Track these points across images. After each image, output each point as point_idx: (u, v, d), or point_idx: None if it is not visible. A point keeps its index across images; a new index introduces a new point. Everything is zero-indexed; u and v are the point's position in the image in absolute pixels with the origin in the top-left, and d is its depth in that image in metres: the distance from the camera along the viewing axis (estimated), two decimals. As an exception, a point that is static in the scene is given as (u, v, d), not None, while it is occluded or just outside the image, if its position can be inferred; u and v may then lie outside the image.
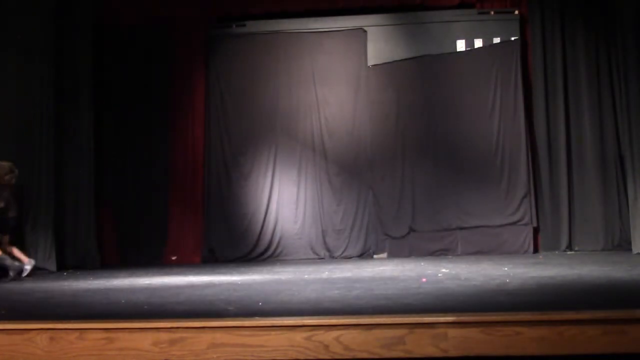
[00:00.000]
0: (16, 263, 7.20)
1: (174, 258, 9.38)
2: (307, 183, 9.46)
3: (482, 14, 9.41)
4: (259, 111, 9.59)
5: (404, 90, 9.40)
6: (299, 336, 3.03)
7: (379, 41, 9.47)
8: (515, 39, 9.25)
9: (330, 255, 9.25)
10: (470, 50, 9.34)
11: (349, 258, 9.13)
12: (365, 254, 9.22)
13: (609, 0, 8.74)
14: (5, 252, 7.28)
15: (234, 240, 9.39)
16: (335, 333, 3.01)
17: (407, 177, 9.28)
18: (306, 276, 6.34)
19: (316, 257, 9.26)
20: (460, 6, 9.46)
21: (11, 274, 7.06)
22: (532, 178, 9.10)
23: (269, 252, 9.32)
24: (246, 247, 9.34)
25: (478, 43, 9.34)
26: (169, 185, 9.63)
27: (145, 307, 4.24)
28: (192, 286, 5.67)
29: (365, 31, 9.51)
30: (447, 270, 6.38)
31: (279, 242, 9.36)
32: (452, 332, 2.97)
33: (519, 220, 9.01)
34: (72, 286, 6.06)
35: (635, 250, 7.92)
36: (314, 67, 9.57)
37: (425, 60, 9.39)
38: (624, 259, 7.20)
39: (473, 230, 9.05)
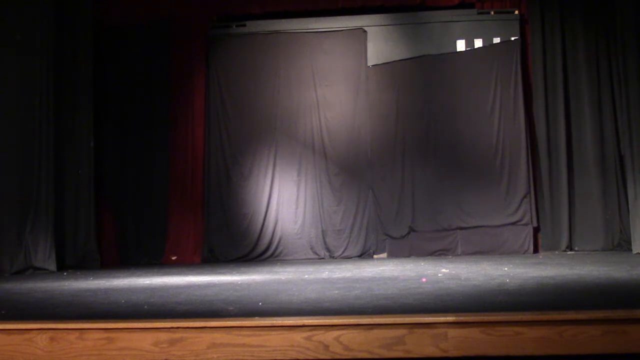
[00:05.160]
0: None
1: (174, 258, 9.38)
2: (307, 183, 9.46)
3: (482, 14, 9.41)
4: (259, 111, 9.59)
5: (404, 90, 9.40)
6: (299, 336, 3.03)
7: (379, 41, 9.47)
8: (515, 39, 9.26)
9: (330, 255, 9.25)
10: (470, 50, 9.35)
11: (349, 258, 9.13)
12: (365, 254, 9.22)
13: (609, 0, 8.74)
14: None
15: (234, 240, 9.40)
16: (335, 333, 3.01)
17: (407, 177, 9.28)
18: (306, 276, 6.34)
19: (316, 257, 9.26)
20: (460, 6, 9.46)
21: None
22: (532, 178, 9.10)
23: (269, 252, 9.32)
24: (246, 247, 9.34)
25: (478, 43, 9.34)
26: (169, 185, 9.64)
27: (145, 307, 4.24)
28: (192, 286, 5.66)
29: (365, 31, 9.52)
30: (447, 270, 6.37)
31: (279, 242, 9.36)
32: (452, 332, 2.97)
33: (519, 220, 9.01)
34: (72, 286, 6.05)
35: (635, 250, 7.92)
36: (314, 67, 9.58)
37: (425, 60, 9.40)
38: (624, 259, 7.19)
39: (473, 230, 9.05)
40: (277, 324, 3.07)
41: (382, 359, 2.98)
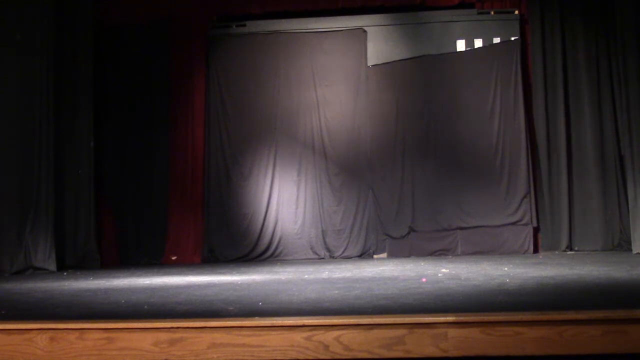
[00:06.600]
0: None
1: (174, 258, 9.38)
2: (307, 183, 9.46)
3: (482, 14, 9.41)
4: (259, 111, 9.59)
5: (404, 90, 9.40)
6: (299, 336, 3.03)
7: (379, 41, 9.47)
8: (515, 39, 9.26)
9: (330, 255, 9.25)
10: (470, 50, 9.35)
11: (349, 258, 9.13)
12: (365, 254, 9.22)
13: (609, 0, 8.74)
14: None
15: (234, 240, 9.40)
16: (335, 333, 3.01)
17: (407, 177, 9.28)
18: (306, 276, 6.34)
19: (316, 257, 9.26)
20: (460, 6, 9.46)
21: None
22: (532, 178, 9.10)
23: (269, 252, 9.32)
24: (246, 247, 9.34)
25: (478, 43, 9.34)
26: (169, 185, 9.64)
27: (145, 307, 4.24)
28: (192, 286, 5.66)
29: (365, 31, 9.52)
30: (447, 270, 6.37)
31: (279, 242, 9.36)
32: (452, 332, 2.97)
33: (519, 220, 9.01)
34: (72, 286, 6.05)
35: (635, 250, 7.92)
36: (314, 67, 9.58)
37: (425, 60, 9.40)
38: (624, 259, 7.19)
39: (473, 230, 9.05)
40: (277, 324, 3.07)
41: (382, 359, 2.98)
